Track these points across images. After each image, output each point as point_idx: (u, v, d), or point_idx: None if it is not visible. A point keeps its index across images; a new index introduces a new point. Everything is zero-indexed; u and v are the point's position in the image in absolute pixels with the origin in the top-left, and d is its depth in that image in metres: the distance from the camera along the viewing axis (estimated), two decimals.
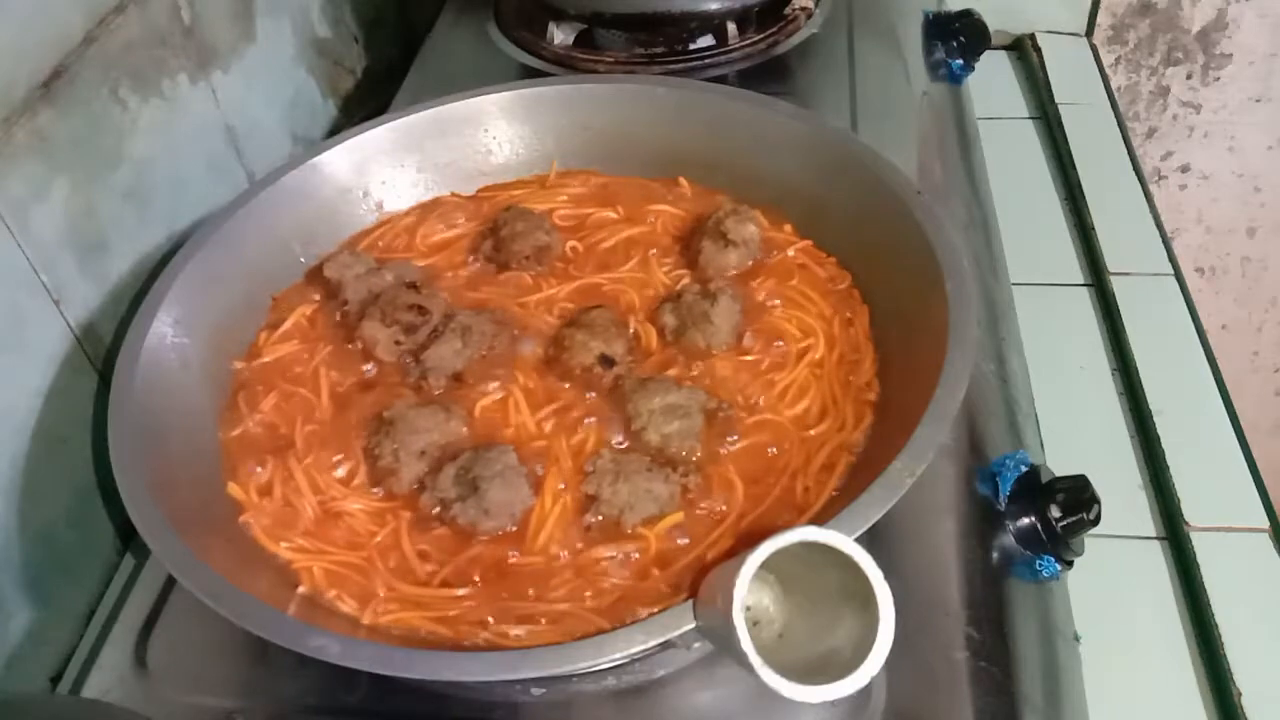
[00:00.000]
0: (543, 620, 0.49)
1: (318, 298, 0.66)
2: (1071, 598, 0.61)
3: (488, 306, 0.64)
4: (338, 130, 0.72)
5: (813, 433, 0.56)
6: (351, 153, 0.70)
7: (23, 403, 0.56)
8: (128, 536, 0.63)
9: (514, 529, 0.53)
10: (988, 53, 0.99)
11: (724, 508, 0.53)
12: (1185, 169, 1.37)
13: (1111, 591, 0.64)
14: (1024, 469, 0.59)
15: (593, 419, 0.57)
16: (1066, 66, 1.13)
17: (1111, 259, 0.87)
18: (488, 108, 0.73)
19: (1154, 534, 0.68)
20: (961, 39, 0.96)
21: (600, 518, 0.52)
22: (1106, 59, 1.23)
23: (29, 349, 0.57)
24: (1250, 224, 1.40)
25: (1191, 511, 0.68)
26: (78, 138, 0.59)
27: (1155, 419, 0.73)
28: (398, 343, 0.61)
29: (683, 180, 0.72)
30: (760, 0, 0.89)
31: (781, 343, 0.61)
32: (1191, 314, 0.82)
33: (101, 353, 0.62)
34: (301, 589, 0.51)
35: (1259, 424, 1.43)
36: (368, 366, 0.62)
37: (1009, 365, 0.71)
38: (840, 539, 0.39)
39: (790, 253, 0.66)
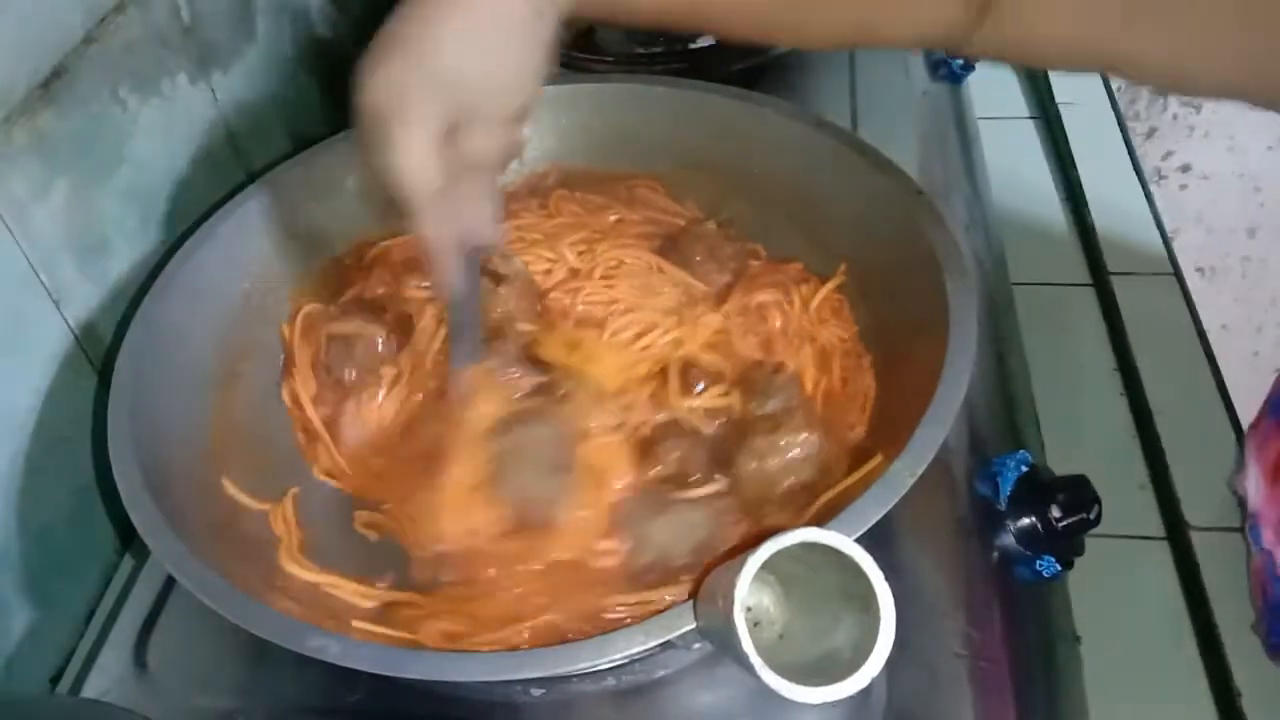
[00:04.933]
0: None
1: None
2: (1071, 598, 0.61)
3: None
4: (338, 130, 0.72)
5: None
6: (351, 153, 0.70)
7: (23, 402, 0.56)
8: (128, 536, 0.63)
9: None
10: None
11: None
12: (1185, 169, 1.37)
13: (1112, 591, 0.64)
14: (1024, 469, 0.59)
15: None
16: None
17: (1111, 259, 0.87)
18: None
19: (1154, 534, 0.68)
20: None
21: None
22: None
23: (29, 349, 0.57)
24: (1250, 224, 1.40)
25: (1192, 511, 0.67)
26: (78, 138, 0.59)
27: (1156, 419, 0.73)
28: None
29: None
30: None
31: None
32: (1192, 314, 0.82)
33: (101, 353, 0.62)
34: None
35: None
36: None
37: (1009, 365, 0.71)
38: (840, 539, 0.39)
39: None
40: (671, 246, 0.69)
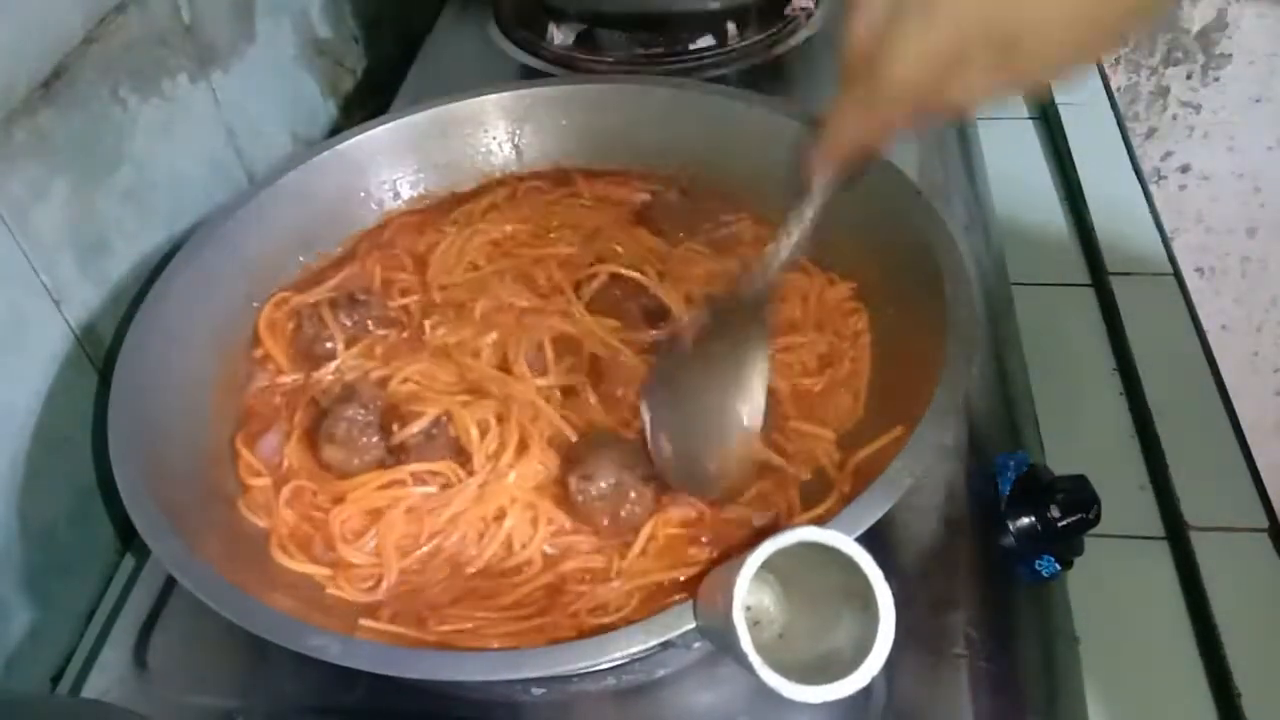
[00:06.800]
0: None
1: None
2: (1071, 598, 0.61)
3: None
4: (338, 130, 0.72)
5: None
6: (351, 153, 0.70)
7: (23, 403, 0.57)
8: (128, 536, 0.63)
9: None
10: None
11: None
12: (1185, 169, 1.37)
13: (1112, 592, 0.64)
14: (1024, 469, 0.59)
15: None
16: None
17: (1111, 259, 0.87)
18: (488, 108, 0.73)
19: (1154, 534, 0.68)
20: None
21: None
22: (1106, 59, 1.23)
23: (29, 349, 0.57)
24: (1250, 224, 1.40)
25: (1192, 512, 0.67)
26: (78, 138, 0.59)
27: (1155, 419, 0.73)
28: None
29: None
30: (760, 0, 0.89)
31: None
32: (1191, 314, 0.82)
33: (101, 353, 0.62)
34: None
35: (1259, 424, 1.43)
36: None
37: (1009, 365, 0.71)
38: (840, 539, 0.39)
39: None
40: (642, 220, 0.69)
